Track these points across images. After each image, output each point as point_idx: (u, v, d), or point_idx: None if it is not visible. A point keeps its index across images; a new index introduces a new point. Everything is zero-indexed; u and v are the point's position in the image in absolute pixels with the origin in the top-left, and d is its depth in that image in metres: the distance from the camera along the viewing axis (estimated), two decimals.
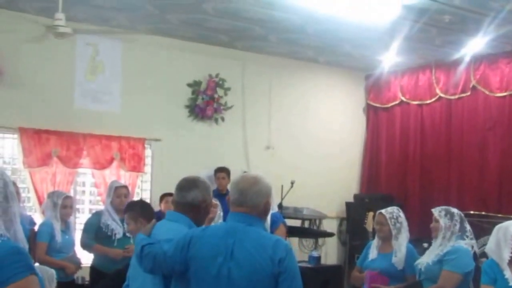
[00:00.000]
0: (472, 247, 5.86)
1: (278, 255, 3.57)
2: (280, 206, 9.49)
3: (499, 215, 9.29)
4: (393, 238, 6.19)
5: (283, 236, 7.40)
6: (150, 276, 3.99)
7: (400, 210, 6.35)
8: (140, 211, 5.88)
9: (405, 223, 6.24)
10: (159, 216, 8.50)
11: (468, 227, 5.92)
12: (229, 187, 9.55)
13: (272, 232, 7.12)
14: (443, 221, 5.86)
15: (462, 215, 6.00)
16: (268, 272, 3.55)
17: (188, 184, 4.19)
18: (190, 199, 4.13)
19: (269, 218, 7.34)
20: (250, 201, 3.73)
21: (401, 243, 6.14)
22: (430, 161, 11.58)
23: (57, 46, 9.30)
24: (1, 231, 2.95)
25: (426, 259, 5.91)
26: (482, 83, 10.74)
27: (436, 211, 5.96)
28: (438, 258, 5.76)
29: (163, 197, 9.15)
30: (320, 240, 10.50)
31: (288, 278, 3.57)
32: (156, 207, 9.03)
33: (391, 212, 6.27)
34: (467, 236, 5.87)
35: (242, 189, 3.77)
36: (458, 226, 5.85)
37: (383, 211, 6.32)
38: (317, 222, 10.80)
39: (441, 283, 5.69)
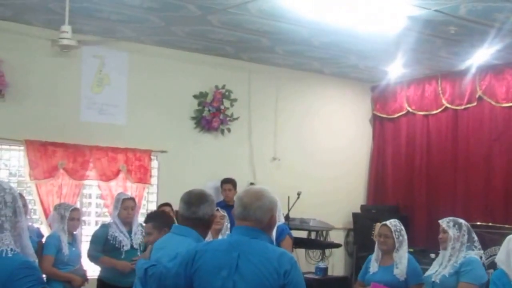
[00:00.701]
0: (481, 257, 5.84)
1: (283, 268, 3.55)
2: (286, 217, 9.47)
3: (506, 225, 9.28)
4: (395, 251, 6.19)
5: (289, 248, 7.40)
6: None
7: (400, 222, 6.36)
8: (165, 221, 5.88)
9: (405, 236, 6.24)
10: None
11: (475, 237, 5.91)
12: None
13: (278, 244, 7.13)
14: (452, 232, 5.84)
15: (469, 225, 5.98)
16: (274, 285, 3.53)
17: (197, 199, 4.21)
18: (201, 214, 4.17)
19: (274, 230, 7.36)
20: (253, 216, 3.72)
21: (402, 255, 6.15)
22: (436, 172, 11.55)
23: (63, 59, 9.35)
24: (11, 245, 2.97)
25: (440, 271, 5.85)
26: (488, 93, 10.73)
27: (444, 222, 5.94)
28: (455, 270, 5.70)
29: (160, 207, 9.16)
30: (327, 251, 10.48)
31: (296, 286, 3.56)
32: None
33: (395, 224, 6.26)
34: (475, 247, 5.86)
35: (246, 204, 3.74)
36: (466, 236, 5.83)
37: (387, 223, 6.31)
38: (324, 233, 10.79)
39: None
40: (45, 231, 7.95)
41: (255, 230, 3.71)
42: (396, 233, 6.20)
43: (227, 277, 3.59)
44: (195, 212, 4.19)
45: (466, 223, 5.96)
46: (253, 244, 3.67)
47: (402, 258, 6.12)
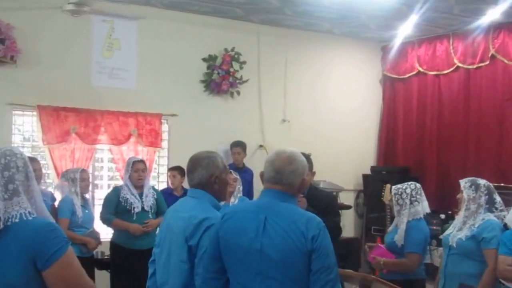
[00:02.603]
0: (503, 218, 5.71)
1: (311, 232, 3.52)
2: None
3: None
4: (396, 214, 6.15)
5: (304, 206, 7.46)
6: (176, 250, 4.06)
7: (415, 185, 6.18)
8: None
9: (408, 200, 6.07)
10: (169, 191, 8.62)
11: (497, 198, 5.72)
12: (245, 161, 9.59)
13: None
14: (466, 193, 5.74)
15: (491, 186, 5.81)
16: (301, 248, 3.50)
17: (192, 165, 4.27)
18: (198, 179, 4.22)
19: None
20: (286, 180, 3.69)
21: (403, 220, 6.05)
22: (447, 133, 11.48)
23: (74, 24, 9.36)
24: (29, 208, 3.04)
25: (456, 233, 5.76)
26: (502, 52, 10.59)
27: (462, 182, 5.82)
28: (472, 234, 5.58)
29: (169, 171, 9.24)
30: None
31: (321, 256, 3.52)
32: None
33: (398, 188, 6.17)
34: (496, 208, 5.68)
35: (278, 168, 3.70)
36: (484, 198, 5.68)
37: (393, 186, 6.27)
38: (334, 194, 10.80)
39: (491, 263, 5.47)
40: (58, 196, 8.01)
41: (285, 194, 3.69)
42: (396, 196, 6.13)
43: (254, 238, 3.58)
44: (192, 179, 4.27)
45: (488, 183, 5.79)
46: (281, 207, 3.65)
47: (402, 223, 6.02)
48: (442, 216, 10.17)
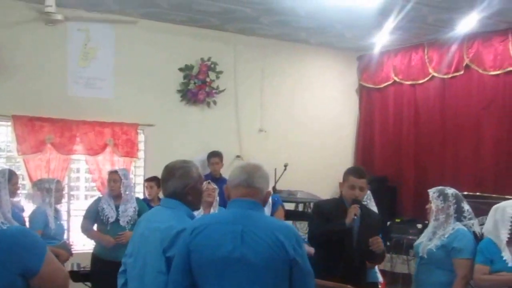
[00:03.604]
0: (471, 227, 5.72)
1: (290, 242, 3.55)
2: (273, 189, 9.48)
3: (494, 195, 9.28)
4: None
5: (282, 218, 7.51)
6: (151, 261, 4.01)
7: (369, 194, 6.39)
8: None
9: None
10: (146, 202, 8.56)
11: (466, 207, 5.69)
12: (222, 172, 9.53)
13: (272, 214, 7.27)
14: (434, 203, 5.73)
15: (460, 195, 5.80)
16: (282, 257, 3.51)
17: (166, 175, 4.24)
18: (172, 189, 4.18)
19: (270, 200, 7.48)
20: (257, 183, 3.71)
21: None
22: (424, 142, 11.54)
23: (49, 33, 9.32)
24: (1, 219, 3.02)
25: (426, 244, 5.75)
26: (476, 61, 10.68)
27: (430, 192, 5.84)
28: (442, 243, 5.56)
29: (146, 182, 9.20)
30: None
31: (301, 268, 3.58)
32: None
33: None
34: (465, 217, 5.67)
35: (249, 172, 3.74)
36: (452, 207, 5.66)
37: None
38: (311, 205, 10.79)
39: (461, 273, 5.46)
40: (27, 206, 7.93)
41: (255, 203, 3.70)
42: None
43: (232, 249, 3.54)
44: (166, 189, 4.23)
45: (456, 192, 5.77)
46: (256, 217, 3.65)
47: None
48: (419, 225, 10.19)
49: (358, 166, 6.31)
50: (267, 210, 7.49)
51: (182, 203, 4.15)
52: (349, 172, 5.64)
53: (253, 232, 3.56)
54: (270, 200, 7.58)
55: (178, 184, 4.16)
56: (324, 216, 5.48)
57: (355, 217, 5.26)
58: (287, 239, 3.54)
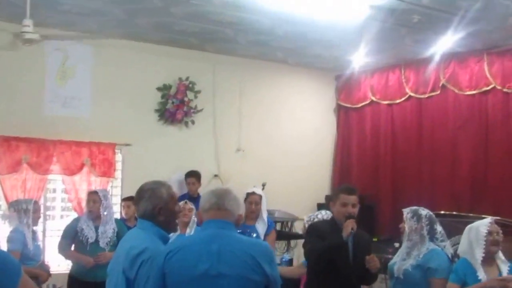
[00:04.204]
0: (443, 249, 5.74)
1: (265, 259, 3.64)
2: None
3: (471, 214, 9.34)
4: None
5: (273, 241, 7.60)
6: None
7: (325, 212, 6.39)
8: None
9: None
10: (124, 222, 8.51)
11: (438, 229, 5.71)
12: (200, 191, 9.52)
13: (264, 237, 7.31)
14: (408, 224, 5.74)
15: (433, 216, 5.83)
16: (258, 273, 3.60)
17: (137, 196, 4.25)
18: (142, 211, 4.19)
19: (266, 220, 7.55)
20: (228, 205, 3.79)
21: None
22: (401, 161, 11.61)
23: (27, 53, 9.24)
24: None
25: (402, 264, 5.74)
26: (452, 81, 10.79)
27: (405, 212, 5.83)
28: (418, 263, 5.57)
29: (123, 201, 9.15)
30: (292, 243, 10.47)
31: (275, 283, 3.68)
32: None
33: (310, 216, 6.35)
34: (437, 239, 5.69)
35: (219, 195, 3.82)
36: (426, 228, 5.67)
37: (305, 216, 6.38)
38: (289, 224, 10.80)
39: None
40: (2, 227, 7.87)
41: (228, 223, 3.77)
42: (309, 223, 6.24)
43: (209, 268, 3.58)
44: (138, 210, 4.24)
45: (429, 213, 5.80)
46: (231, 236, 3.71)
47: None
48: (397, 244, 10.19)
49: (347, 184, 6.31)
50: (262, 230, 7.52)
51: (154, 224, 4.14)
52: (340, 191, 5.62)
53: (229, 250, 3.62)
54: (265, 219, 7.63)
55: (148, 206, 4.16)
56: (319, 236, 5.46)
57: (352, 231, 5.26)
58: (262, 257, 3.63)
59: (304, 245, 5.69)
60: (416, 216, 5.74)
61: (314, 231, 5.64)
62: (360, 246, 5.45)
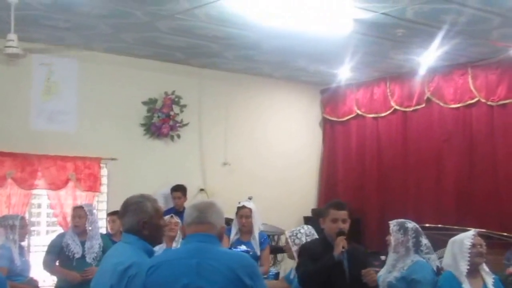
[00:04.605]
0: (428, 261, 5.76)
1: (246, 272, 3.61)
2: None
3: (456, 227, 9.36)
4: (296, 255, 6.10)
5: (268, 256, 7.55)
6: None
7: (307, 227, 6.36)
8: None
9: (304, 239, 6.14)
10: (109, 237, 8.46)
11: (424, 241, 5.73)
12: (186, 205, 9.48)
13: (260, 252, 7.27)
14: (394, 236, 5.76)
15: (419, 229, 5.85)
16: (240, 287, 3.58)
17: (122, 210, 4.21)
18: (128, 225, 4.14)
19: (257, 237, 7.47)
20: (210, 219, 3.77)
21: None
22: (387, 174, 11.65)
23: (12, 67, 9.23)
24: None
25: (386, 276, 5.75)
26: (437, 95, 10.87)
27: (391, 225, 5.84)
28: (402, 275, 5.57)
29: (108, 216, 9.10)
30: (279, 256, 10.47)
31: None
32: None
33: (292, 230, 6.27)
34: (422, 251, 5.72)
35: (201, 208, 3.81)
36: (411, 241, 5.69)
37: (287, 231, 6.34)
38: (276, 238, 10.79)
39: None
40: None
41: (209, 236, 3.74)
42: (292, 237, 6.19)
43: (188, 283, 3.57)
44: (123, 224, 4.20)
45: (415, 226, 5.82)
46: (212, 250, 3.68)
47: None
48: (383, 257, 10.20)
49: (337, 199, 6.18)
50: (255, 247, 7.48)
51: (139, 237, 4.11)
52: (329, 206, 5.48)
53: (208, 264, 3.60)
54: (257, 236, 7.57)
55: (133, 220, 4.12)
56: (312, 257, 5.30)
57: (343, 249, 5.13)
58: (243, 270, 3.60)
59: (296, 268, 5.58)
60: (403, 228, 5.76)
61: (306, 252, 5.48)
62: (356, 261, 5.29)
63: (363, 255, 5.60)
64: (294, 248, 6.13)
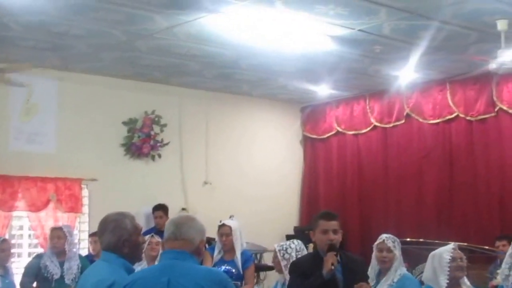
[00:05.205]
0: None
1: None
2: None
3: (437, 241, 9.39)
4: (284, 269, 6.09)
5: (252, 275, 7.45)
6: None
7: (298, 242, 6.21)
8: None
9: (294, 254, 6.01)
10: (90, 258, 8.42)
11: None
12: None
13: (243, 271, 7.19)
14: (398, 251, 5.81)
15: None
16: None
17: (100, 228, 4.14)
18: (106, 243, 4.08)
19: (239, 256, 7.37)
20: (185, 234, 3.71)
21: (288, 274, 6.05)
22: (368, 190, 11.70)
23: None
24: None
25: None
26: (416, 111, 10.95)
27: (389, 242, 5.83)
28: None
29: (90, 237, 9.04)
30: (262, 274, 10.44)
31: None
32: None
33: (281, 244, 6.21)
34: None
35: (178, 223, 3.76)
36: (399, 253, 5.81)
37: (275, 244, 6.30)
38: (258, 256, 10.76)
39: None
40: None
41: (184, 253, 3.68)
42: (281, 252, 6.14)
43: None
44: (102, 243, 4.13)
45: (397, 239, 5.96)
46: (183, 267, 3.63)
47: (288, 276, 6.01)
48: None
49: (326, 210, 5.92)
50: (238, 264, 7.41)
51: (119, 255, 4.08)
52: (318, 217, 5.25)
53: (178, 282, 3.57)
54: (239, 255, 7.50)
55: (112, 237, 4.08)
56: (302, 274, 5.04)
57: (333, 267, 4.83)
58: (213, 286, 3.56)
59: (288, 287, 5.44)
60: (396, 242, 5.83)
61: (296, 269, 5.23)
62: (351, 274, 5.02)
63: (361, 267, 5.30)
64: (284, 263, 6.08)
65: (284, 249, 6.15)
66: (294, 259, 5.94)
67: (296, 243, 6.25)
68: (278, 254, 6.13)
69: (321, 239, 5.10)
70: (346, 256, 5.18)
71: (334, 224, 5.14)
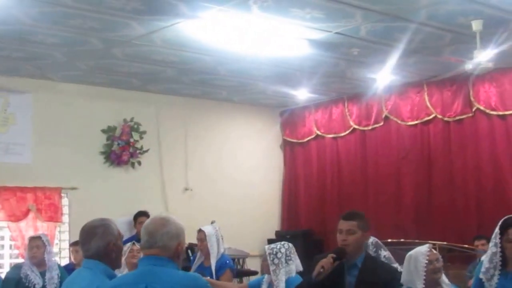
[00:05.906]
0: None
1: None
2: None
3: (417, 241, 9.43)
4: (272, 274, 6.09)
5: (228, 281, 7.36)
6: None
7: (288, 245, 6.14)
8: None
9: (284, 259, 5.99)
10: (71, 267, 8.33)
11: (383, 253, 5.58)
12: None
13: (217, 278, 7.11)
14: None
15: (379, 242, 5.76)
16: None
17: (86, 235, 4.06)
18: (95, 249, 4.00)
19: (213, 262, 7.30)
20: (160, 242, 3.62)
21: (280, 278, 5.95)
22: (347, 193, 11.73)
23: None
24: None
25: None
26: (394, 113, 11.01)
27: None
28: None
29: (71, 246, 8.96)
30: (245, 279, 10.43)
31: None
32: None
33: (272, 248, 6.18)
34: None
35: (151, 232, 3.65)
36: (374, 255, 5.77)
37: (266, 246, 6.28)
38: (241, 261, 10.76)
39: None
40: None
41: (162, 259, 3.61)
42: (271, 256, 6.12)
43: None
44: (88, 250, 4.03)
45: (375, 240, 5.72)
46: (161, 273, 3.57)
47: (281, 282, 5.89)
48: None
49: (352, 209, 5.49)
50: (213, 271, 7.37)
51: (102, 262, 4.04)
52: (341, 216, 4.93)
53: None
54: (213, 262, 7.42)
55: (101, 243, 4.02)
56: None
57: (322, 270, 4.51)
58: None
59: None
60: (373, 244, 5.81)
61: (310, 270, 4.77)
62: (367, 279, 4.72)
63: (384, 276, 4.84)
64: (272, 268, 6.06)
65: (274, 253, 6.09)
66: (283, 265, 5.96)
67: (287, 247, 6.18)
68: (268, 257, 6.10)
69: (337, 239, 4.84)
70: (373, 262, 4.94)
71: (348, 224, 4.81)
